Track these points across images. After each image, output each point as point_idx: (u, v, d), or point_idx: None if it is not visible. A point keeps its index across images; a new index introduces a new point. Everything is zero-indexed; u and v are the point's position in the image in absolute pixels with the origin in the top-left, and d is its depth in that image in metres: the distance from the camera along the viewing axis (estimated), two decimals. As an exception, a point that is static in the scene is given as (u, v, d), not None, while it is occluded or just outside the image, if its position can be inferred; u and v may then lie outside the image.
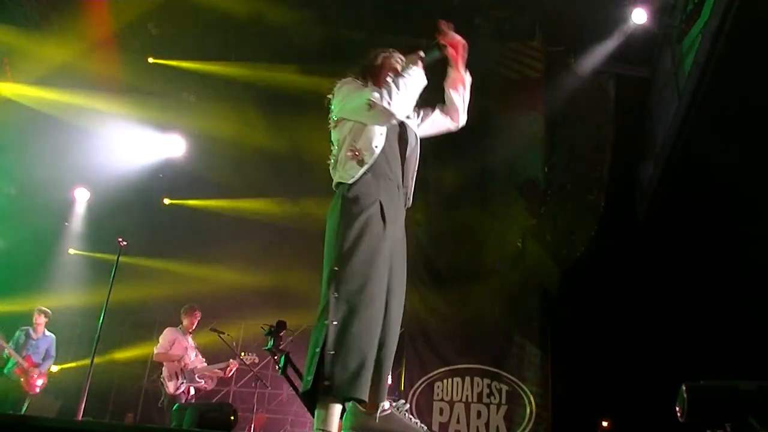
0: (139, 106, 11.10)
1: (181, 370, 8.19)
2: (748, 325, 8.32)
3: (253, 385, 10.62)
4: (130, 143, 11.49)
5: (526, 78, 10.75)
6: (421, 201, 11.08)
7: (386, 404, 3.25)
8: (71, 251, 12.09)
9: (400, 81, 3.48)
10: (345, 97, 3.60)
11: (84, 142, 10.97)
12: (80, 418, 7.00)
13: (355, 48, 10.61)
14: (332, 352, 2.99)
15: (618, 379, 10.09)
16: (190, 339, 8.63)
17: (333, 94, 3.72)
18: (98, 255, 11.54)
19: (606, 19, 9.85)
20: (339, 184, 3.49)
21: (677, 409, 2.92)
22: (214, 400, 10.65)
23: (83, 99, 10.67)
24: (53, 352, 9.34)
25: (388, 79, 3.50)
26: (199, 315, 8.74)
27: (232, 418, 7.55)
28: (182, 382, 8.12)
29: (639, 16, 9.33)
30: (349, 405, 3.19)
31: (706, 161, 8.84)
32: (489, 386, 9.81)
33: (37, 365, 9.05)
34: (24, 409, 9.01)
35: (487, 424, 9.64)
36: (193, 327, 8.69)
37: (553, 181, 10.43)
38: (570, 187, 10.24)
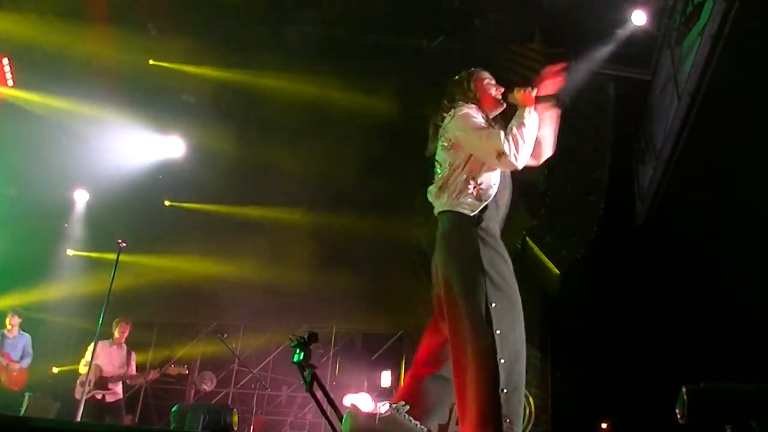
0: (138, 108, 11.09)
1: (96, 378, 8.19)
2: (749, 327, 8.32)
3: (252, 386, 10.65)
4: (130, 145, 11.49)
5: (525, 80, 10.74)
6: (421, 202, 11.08)
7: (386, 406, 3.25)
8: (70, 252, 12.08)
9: (524, 132, 3.55)
10: (468, 130, 3.62)
11: (83, 143, 10.97)
12: (79, 419, 7.00)
13: (354, 50, 10.63)
14: (505, 391, 3.10)
15: (618, 380, 10.09)
16: (120, 349, 8.68)
17: (446, 114, 3.75)
18: (97, 256, 11.54)
19: (605, 20, 9.85)
20: (456, 213, 3.52)
21: (677, 411, 2.92)
22: (213, 402, 10.64)
23: (83, 101, 10.66)
24: (30, 350, 9.37)
25: (515, 130, 3.54)
26: (128, 327, 8.82)
27: (232, 420, 7.57)
28: (90, 390, 8.06)
29: (638, 18, 9.32)
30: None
31: (705, 163, 8.85)
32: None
33: (16, 362, 9.10)
34: (23, 410, 9.02)
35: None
36: (123, 338, 8.76)
37: (553, 182, 10.42)
38: (570, 189, 10.22)
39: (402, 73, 10.42)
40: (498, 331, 3.16)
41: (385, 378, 9.41)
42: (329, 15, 10.36)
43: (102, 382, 8.30)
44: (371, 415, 3.16)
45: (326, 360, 11.28)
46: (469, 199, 3.50)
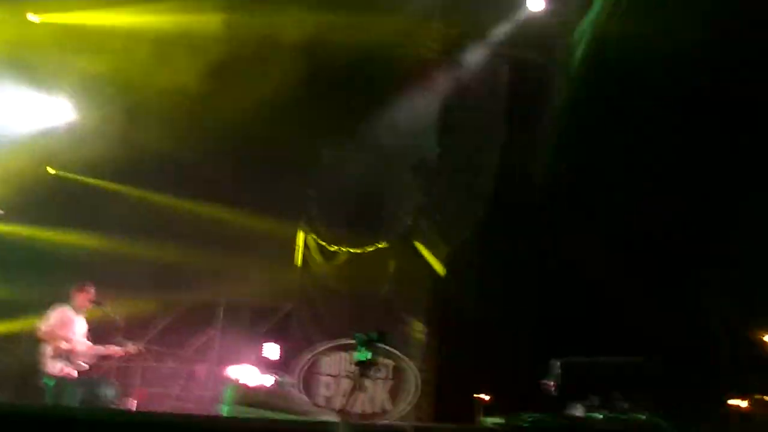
0: (21, 66, 10.45)
1: (66, 351, 7.47)
2: (616, 305, 8.76)
3: (134, 360, 10.37)
4: (11, 106, 10.79)
5: (422, 59, 10.84)
6: (314, 176, 11.05)
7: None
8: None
9: None
10: None
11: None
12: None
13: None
14: None
15: (500, 355, 10.41)
16: (82, 319, 7.76)
17: None
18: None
19: (503, 4, 10.04)
20: None
21: (550, 383, 3.05)
22: (94, 377, 10.29)
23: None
24: None
25: None
26: (91, 292, 7.79)
27: (112, 393, 7.37)
28: (66, 365, 7.33)
29: (535, 4, 9.54)
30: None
31: (592, 149, 9.20)
32: (375, 361, 9.92)
33: None
34: None
35: (372, 398, 9.76)
36: (86, 306, 7.78)
37: (446, 162, 10.58)
38: (461, 169, 10.40)
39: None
40: None
41: (273, 351, 9.38)
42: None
43: (73, 358, 7.44)
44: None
45: (214, 333, 11.16)
46: None
